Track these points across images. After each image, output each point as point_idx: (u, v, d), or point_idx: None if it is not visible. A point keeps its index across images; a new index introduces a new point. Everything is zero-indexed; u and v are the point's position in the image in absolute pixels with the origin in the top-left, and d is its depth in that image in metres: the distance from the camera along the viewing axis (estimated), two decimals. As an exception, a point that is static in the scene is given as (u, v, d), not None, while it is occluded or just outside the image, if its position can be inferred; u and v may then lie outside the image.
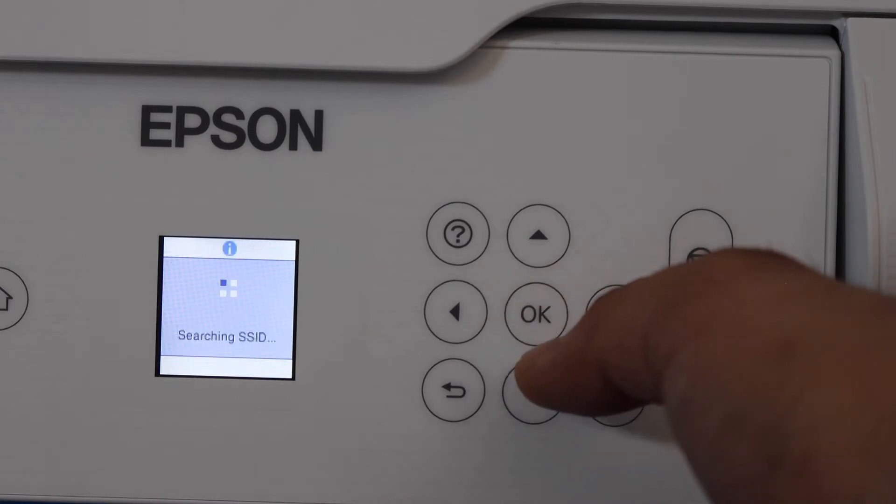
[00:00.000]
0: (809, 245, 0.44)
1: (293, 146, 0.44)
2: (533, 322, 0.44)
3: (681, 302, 0.33)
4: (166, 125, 0.44)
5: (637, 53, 0.44)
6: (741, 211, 0.44)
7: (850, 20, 0.44)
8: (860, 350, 0.29)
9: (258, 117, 0.44)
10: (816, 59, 0.44)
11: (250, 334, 0.44)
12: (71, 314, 0.44)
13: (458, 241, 0.44)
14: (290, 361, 0.44)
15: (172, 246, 0.44)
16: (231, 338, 0.44)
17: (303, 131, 0.44)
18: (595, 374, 0.37)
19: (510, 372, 0.44)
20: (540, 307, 0.44)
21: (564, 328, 0.44)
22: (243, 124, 0.44)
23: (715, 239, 0.44)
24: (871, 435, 0.28)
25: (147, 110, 0.44)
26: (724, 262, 0.34)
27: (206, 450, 0.44)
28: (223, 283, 0.44)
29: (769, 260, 0.34)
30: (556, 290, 0.44)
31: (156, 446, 0.44)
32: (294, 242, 0.44)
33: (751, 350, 0.31)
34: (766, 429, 0.29)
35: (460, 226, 0.44)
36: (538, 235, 0.44)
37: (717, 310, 0.32)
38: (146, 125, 0.44)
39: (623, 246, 0.44)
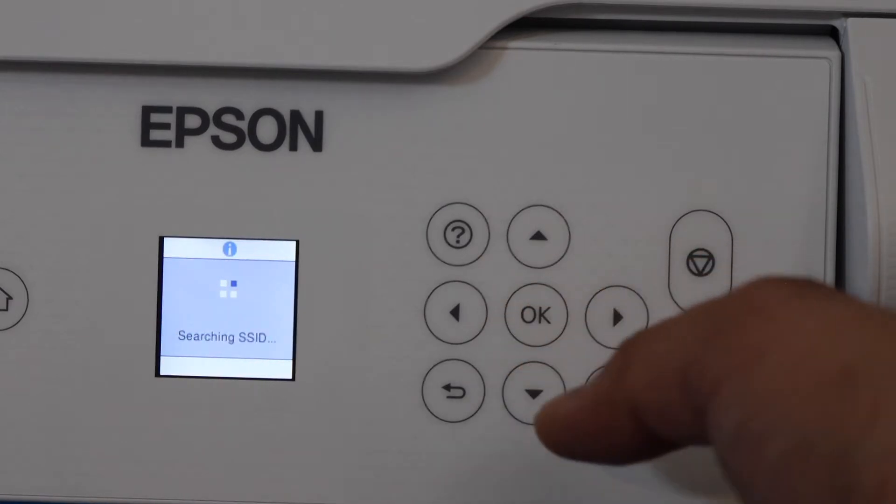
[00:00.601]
0: (809, 245, 0.44)
1: (293, 147, 0.44)
2: (533, 322, 0.44)
3: (723, 332, 0.32)
4: (166, 125, 0.44)
5: (637, 54, 0.44)
6: (741, 211, 0.44)
7: (850, 20, 0.44)
8: None
9: (258, 118, 0.44)
10: (816, 60, 0.44)
11: (250, 335, 0.44)
12: (71, 314, 0.44)
13: (458, 241, 0.44)
14: (290, 362, 0.44)
15: (172, 246, 0.44)
16: (231, 338, 0.44)
17: (303, 132, 0.44)
18: (626, 416, 0.35)
19: (510, 372, 0.44)
20: (540, 307, 0.44)
21: (564, 328, 0.44)
22: (243, 125, 0.44)
23: (715, 239, 0.44)
24: None
25: (147, 110, 0.44)
26: (766, 290, 0.33)
27: (206, 450, 0.44)
28: (223, 283, 0.44)
29: (810, 289, 0.33)
30: (556, 291, 0.44)
31: (156, 446, 0.44)
32: (294, 243, 0.44)
33: (811, 378, 0.30)
34: (835, 459, 0.28)
35: (460, 226, 0.44)
36: (538, 236, 0.44)
37: (767, 338, 0.31)
38: (146, 125, 0.44)
39: (623, 246, 0.44)
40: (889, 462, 0.27)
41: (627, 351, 0.36)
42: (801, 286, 0.33)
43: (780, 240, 0.44)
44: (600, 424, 0.36)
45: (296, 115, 0.44)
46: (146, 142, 0.44)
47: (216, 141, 0.44)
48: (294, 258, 0.44)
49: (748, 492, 0.31)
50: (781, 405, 0.30)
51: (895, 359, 0.29)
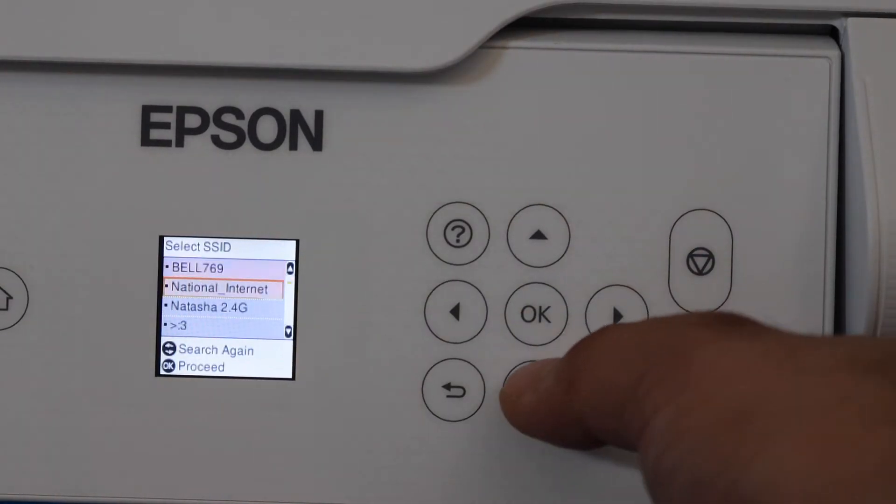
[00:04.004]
0: (809, 245, 0.44)
1: (293, 146, 0.44)
2: (533, 322, 0.44)
3: (650, 373, 0.35)
4: (166, 125, 0.44)
5: (637, 53, 0.44)
6: (741, 211, 0.44)
7: (850, 20, 0.44)
8: (813, 412, 0.30)
9: (258, 117, 0.44)
10: (816, 59, 0.44)
11: (250, 334, 0.44)
12: (71, 314, 0.44)
13: (458, 241, 0.44)
14: (291, 361, 0.44)
15: (172, 246, 0.44)
16: (231, 338, 0.44)
17: (303, 131, 0.44)
18: (575, 426, 0.39)
19: (510, 371, 0.44)
20: (540, 307, 0.44)
21: (564, 328, 0.44)
22: (243, 124, 0.44)
23: (715, 239, 0.44)
24: (821, 495, 0.28)
25: (147, 110, 0.44)
26: (689, 332, 0.35)
27: (206, 450, 0.44)
28: (223, 283, 0.44)
29: (732, 328, 0.35)
30: (556, 290, 0.44)
31: (156, 446, 0.44)
32: (294, 242, 0.44)
33: (710, 418, 0.32)
34: (726, 492, 0.30)
35: (460, 226, 0.44)
36: (538, 235, 0.44)
37: (685, 383, 0.34)
38: (146, 125, 0.44)
39: (623, 246, 0.44)
40: (770, 492, 0.29)
41: (576, 364, 0.39)
42: (723, 324, 0.35)
43: (780, 239, 0.44)
44: (554, 426, 0.40)
45: (296, 115, 0.44)
46: (146, 141, 0.44)
47: (216, 140, 0.44)
48: (294, 258, 0.44)
49: None
50: (685, 443, 0.32)
51: (787, 396, 0.31)
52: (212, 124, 0.44)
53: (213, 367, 0.44)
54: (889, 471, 0.28)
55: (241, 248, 0.44)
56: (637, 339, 0.37)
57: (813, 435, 0.30)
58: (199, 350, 0.44)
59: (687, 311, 0.44)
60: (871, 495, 0.28)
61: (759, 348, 0.34)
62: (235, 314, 0.44)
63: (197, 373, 0.44)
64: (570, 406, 0.39)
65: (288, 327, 0.44)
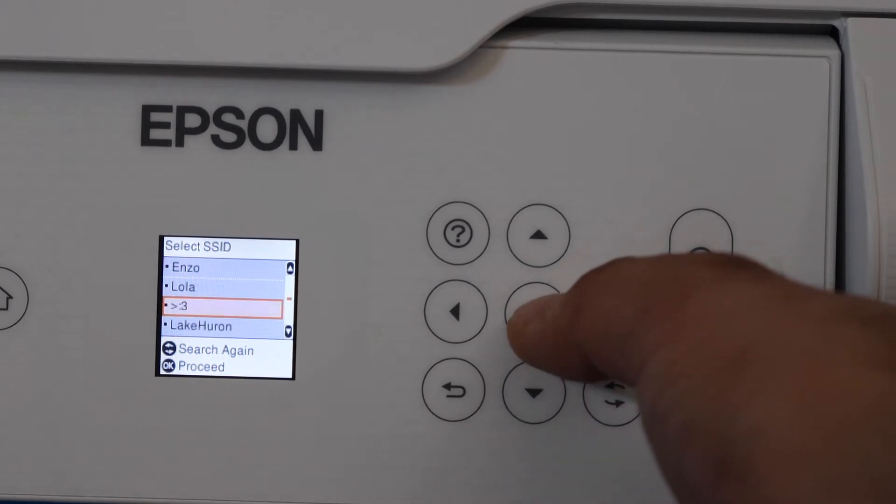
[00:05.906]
0: (809, 245, 0.44)
1: (293, 146, 0.44)
2: (533, 322, 0.44)
3: (654, 309, 0.34)
4: (166, 125, 0.44)
5: (637, 53, 0.44)
6: (741, 211, 0.44)
7: (850, 20, 0.44)
8: (805, 359, 0.30)
9: (258, 117, 0.44)
10: (816, 59, 0.44)
11: (250, 334, 0.44)
12: (71, 314, 0.44)
13: (458, 240, 0.44)
14: (290, 361, 0.44)
15: (172, 246, 0.44)
16: (231, 338, 0.44)
17: (303, 131, 0.44)
18: (577, 355, 0.38)
19: (510, 371, 0.44)
20: (540, 307, 0.44)
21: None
22: (243, 124, 0.44)
23: (715, 239, 0.44)
24: (806, 443, 0.28)
25: (147, 110, 0.44)
26: (693, 270, 0.35)
27: (206, 450, 0.44)
28: (223, 282, 0.44)
29: (737, 270, 0.35)
30: (557, 290, 0.44)
31: (156, 446, 0.44)
32: (294, 242, 0.44)
33: (706, 360, 0.31)
34: (715, 436, 0.30)
35: (460, 226, 0.44)
36: (538, 235, 0.44)
37: (684, 322, 0.33)
38: (146, 125, 0.44)
39: (623, 246, 0.44)
40: (756, 440, 0.29)
41: (583, 293, 0.38)
42: (729, 266, 0.35)
43: (780, 239, 0.44)
44: (557, 355, 0.39)
45: (296, 115, 0.44)
46: (146, 141, 0.44)
47: (216, 140, 0.44)
48: (294, 258, 0.44)
49: (659, 463, 0.33)
50: (681, 385, 0.31)
51: (781, 341, 0.31)
52: (212, 124, 0.44)
53: (213, 367, 0.44)
54: (882, 412, 0.28)
55: (241, 248, 0.44)
56: (645, 273, 0.36)
57: (805, 379, 0.29)
58: (199, 350, 0.44)
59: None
60: (860, 438, 0.28)
61: (761, 291, 0.33)
62: (235, 314, 0.44)
63: (197, 373, 0.44)
64: (573, 333, 0.38)
65: (288, 327, 0.44)
